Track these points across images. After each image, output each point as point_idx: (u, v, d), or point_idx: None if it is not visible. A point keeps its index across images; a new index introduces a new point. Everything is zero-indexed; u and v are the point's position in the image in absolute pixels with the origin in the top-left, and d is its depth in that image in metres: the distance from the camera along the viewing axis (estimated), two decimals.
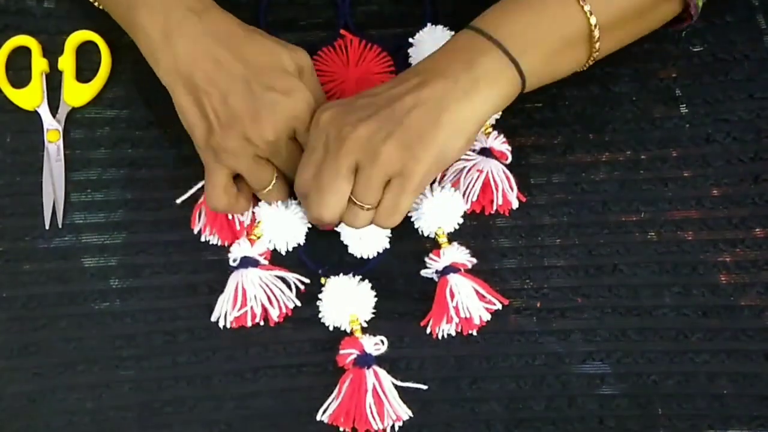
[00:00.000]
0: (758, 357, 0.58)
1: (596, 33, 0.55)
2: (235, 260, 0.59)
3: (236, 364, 0.58)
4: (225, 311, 0.58)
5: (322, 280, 0.59)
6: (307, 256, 0.60)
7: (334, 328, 0.58)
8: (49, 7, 0.66)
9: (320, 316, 0.59)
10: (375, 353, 0.57)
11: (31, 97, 0.63)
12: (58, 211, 0.61)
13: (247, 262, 0.58)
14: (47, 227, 0.61)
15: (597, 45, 0.56)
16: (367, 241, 0.59)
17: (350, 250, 0.60)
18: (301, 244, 0.60)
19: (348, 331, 0.58)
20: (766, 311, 0.59)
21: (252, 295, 0.58)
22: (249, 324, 0.58)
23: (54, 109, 0.63)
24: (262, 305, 0.58)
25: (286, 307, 0.59)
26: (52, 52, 0.65)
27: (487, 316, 0.58)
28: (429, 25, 0.64)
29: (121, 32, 0.60)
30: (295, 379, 0.58)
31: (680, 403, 0.57)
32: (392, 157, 0.52)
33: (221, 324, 0.58)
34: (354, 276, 0.59)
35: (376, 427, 0.56)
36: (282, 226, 0.59)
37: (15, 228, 0.61)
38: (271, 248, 0.60)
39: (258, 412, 0.57)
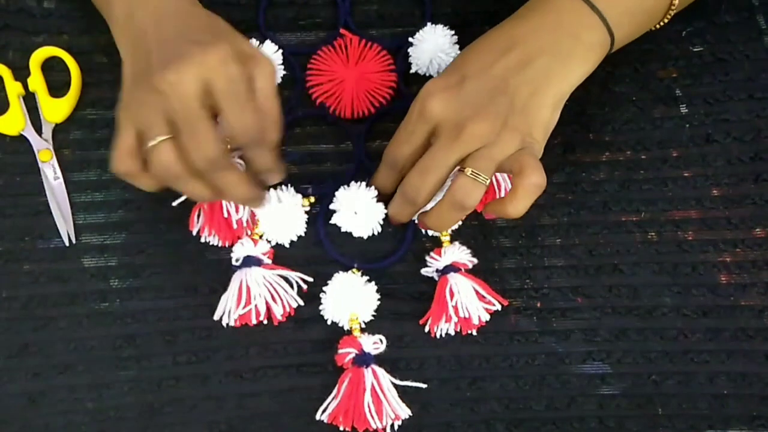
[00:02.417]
0: (758, 357, 0.58)
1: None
2: (237, 260, 0.59)
3: (236, 364, 0.58)
4: (228, 309, 0.58)
5: (354, 272, 0.60)
6: (336, 253, 0.60)
7: (332, 323, 0.58)
8: (49, 7, 0.66)
9: (321, 308, 0.59)
10: (374, 352, 0.57)
11: (13, 122, 0.62)
12: (70, 231, 0.60)
13: (250, 261, 0.58)
14: (67, 245, 0.60)
15: (675, 1, 0.57)
16: (363, 218, 0.59)
17: (354, 233, 0.60)
18: (302, 235, 0.60)
19: (347, 329, 0.58)
20: (766, 311, 0.59)
21: (256, 294, 0.58)
22: (253, 321, 0.58)
23: (38, 129, 0.63)
24: (267, 303, 0.58)
25: (290, 306, 0.59)
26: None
27: (486, 317, 0.58)
28: (429, 24, 0.64)
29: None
30: (295, 379, 0.58)
31: (680, 403, 0.57)
32: (511, 142, 0.52)
33: (224, 322, 0.58)
34: (363, 275, 0.59)
35: (374, 426, 0.56)
36: (279, 219, 0.59)
37: (15, 228, 0.61)
38: (273, 244, 0.60)
39: (258, 412, 0.57)
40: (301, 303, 0.59)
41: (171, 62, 0.49)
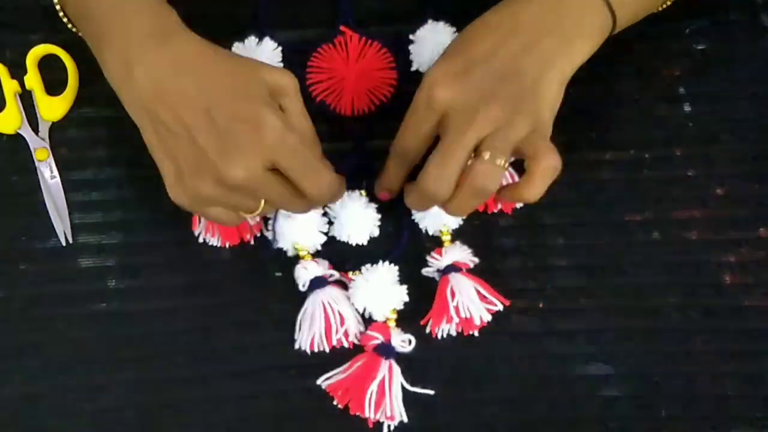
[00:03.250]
0: (763, 358, 0.58)
1: None
2: (304, 285, 0.58)
3: (235, 366, 0.58)
4: (319, 334, 0.57)
5: (350, 274, 0.59)
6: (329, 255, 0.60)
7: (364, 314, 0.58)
8: (46, 5, 0.65)
9: (349, 295, 0.58)
10: (399, 349, 0.57)
11: (10, 120, 0.62)
12: (66, 231, 0.60)
13: (320, 282, 0.58)
14: (64, 245, 0.60)
15: None
16: (359, 225, 0.59)
17: (350, 240, 0.60)
18: (325, 235, 0.60)
19: (375, 318, 0.58)
20: None
21: (347, 314, 0.57)
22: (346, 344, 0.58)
23: (34, 127, 0.62)
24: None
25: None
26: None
27: (487, 317, 0.58)
28: (430, 21, 0.63)
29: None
30: (295, 381, 0.57)
31: (684, 404, 0.57)
32: (523, 125, 0.51)
33: (308, 348, 0.57)
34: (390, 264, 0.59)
35: (367, 415, 0.56)
36: (303, 227, 0.59)
37: (11, 228, 0.60)
38: (292, 253, 0.59)
39: (257, 414, 0.57)
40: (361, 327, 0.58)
41: (231, 154, 0.49)
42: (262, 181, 0.50)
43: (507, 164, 0.51)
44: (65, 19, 0.58)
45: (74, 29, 0.59)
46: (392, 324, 0.58)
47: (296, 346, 0.57)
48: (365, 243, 0.60)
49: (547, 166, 0.51)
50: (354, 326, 0.58)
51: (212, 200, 0.51)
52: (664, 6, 0.60)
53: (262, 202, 0.52)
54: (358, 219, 0.59)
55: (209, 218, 0.53)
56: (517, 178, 0.60)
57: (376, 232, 0.60)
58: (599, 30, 0.55)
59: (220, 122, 0.49)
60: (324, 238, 0.59)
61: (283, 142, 0.49)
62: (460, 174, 0.52)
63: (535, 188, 0.52)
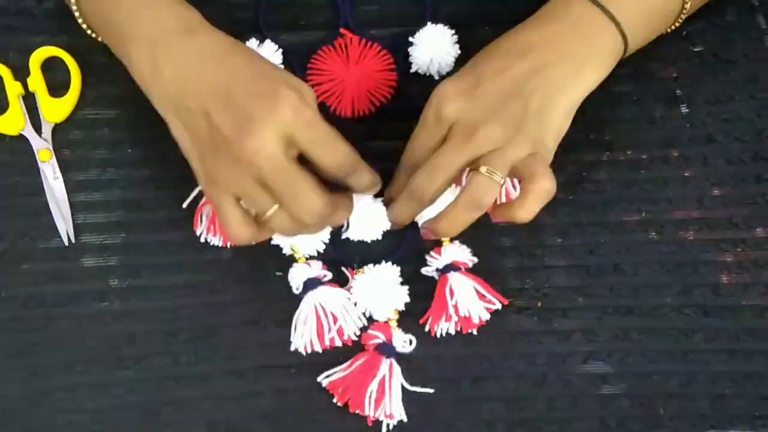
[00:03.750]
0: (760, 357, 0.58)
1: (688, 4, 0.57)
2: (298, 288, 0.58)
3: (236, 364, 0.58)
4: (310, 338, 0.57)
5: (358, 271, 0.59)
6: (337, 254, 0.60)
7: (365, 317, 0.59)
8: (49, 8, 0.66)
9: (351, 295, 0.58)
10: (399, 349, 0.57)
11: (13, 121, 0.62)
12: (69, 231, 0.60)
13: (313, 283, 0.58)
14: (66, 245, 0.60)
15: (687, 5, 0.58)
16: (369, 222, 0.59)
17: (353, 236, 0.60)
18: (325, 244, 0.60)
19: (376, 318, 0.58)
20: (767, 311, 0.59)
21: (339, 313, 0.58)
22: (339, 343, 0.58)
23: (37, 129, 0.63)
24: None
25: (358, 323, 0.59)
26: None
27: (486, 316, 0.58)
28: (429, 24, 0.64)
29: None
30: (296, 379, 0.58)
31: (682, 402, 0.57)
32: (523, 147, 0.52)
33: (303, 350, 0.58)
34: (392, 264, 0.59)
35: (367, 413, 0.56)
36: (364, 217, 0.59)
37: (14, 228, 0.61)
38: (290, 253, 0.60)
39: (258, 412, 0.57)
40: (365, 322, 0.59)
41: (245, 127, 0.49)
42: (276, 158, 0.49)
43: (503, 182, 0.51)
44: (84, 25, 0.59)
45: (93, 34, 0.60)
46: (394, 324, 0.58)
47: (292, 348, 0.58)
48: (380, 238, 0.60)
49: (542, 188, 0.51)
50: (350, 324, 0.58)
51: (232, 184, 0.51)
52: (674, 27, 0.60)
53: (275, 205, 0.52)
54: (366, 216, 0.59)
55: (235, 195, 0.52)
56: (515, 180, 0.61)
57: (388, 225, 0.60)
58: (610, 56, 0.55)
59: (237, 100, 0.50)
60: (323, 246, 0.60)
61: (298, 116, 0.49)
62: (447, 184, 0.53)
63: (528, 209, 0.52)
